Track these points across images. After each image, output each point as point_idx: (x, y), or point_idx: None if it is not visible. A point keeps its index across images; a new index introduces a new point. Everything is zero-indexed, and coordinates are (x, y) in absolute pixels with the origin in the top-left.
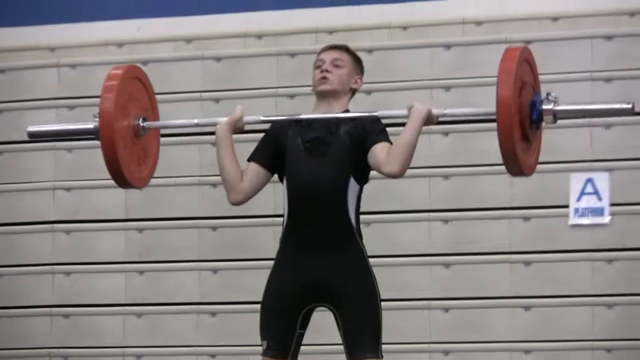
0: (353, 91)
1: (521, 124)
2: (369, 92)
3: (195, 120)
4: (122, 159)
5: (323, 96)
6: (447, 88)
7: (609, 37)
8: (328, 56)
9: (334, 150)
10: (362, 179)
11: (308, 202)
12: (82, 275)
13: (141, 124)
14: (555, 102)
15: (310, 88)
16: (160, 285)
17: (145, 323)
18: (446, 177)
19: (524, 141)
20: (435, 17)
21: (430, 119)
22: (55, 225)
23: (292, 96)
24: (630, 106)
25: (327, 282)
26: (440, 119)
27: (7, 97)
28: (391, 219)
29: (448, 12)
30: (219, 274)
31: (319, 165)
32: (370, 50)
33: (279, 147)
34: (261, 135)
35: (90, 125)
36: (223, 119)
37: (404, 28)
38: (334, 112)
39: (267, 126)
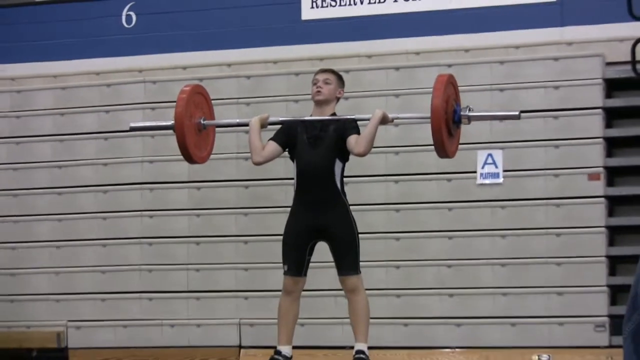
0: (338, 99)
1: (447, 124)
2: (346, 99)
3: (237, 120)
4: (189, 145)
5: (318, 104)
6: (397, 96)
7: (502, 62)
8: (320, 77)
9: (325, 142)
10: (344, 159)
11: (309, 176)
12: (160, 218)
13: (202, 122)
14: (470, 110)
15: (308, 96)
16: (211, 224)
17: (202, 248)
18: (397, 153)
19: (448, 135)
20: (389, 49)
21: (385, 119)
22: (143, 185)
23: (296, 101)
24: (517, 113)
25: (323, 226)
26: (395, 120)
27: (111, 102)
28: (361, 181)
29: (397, 46)
30: (249, 216)
31: (316, 153)
32: (347, 71)
33: (292, 137)
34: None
35: (169, 123)
36: (255, 117)
37: (369, 57)
38: (326, 115)
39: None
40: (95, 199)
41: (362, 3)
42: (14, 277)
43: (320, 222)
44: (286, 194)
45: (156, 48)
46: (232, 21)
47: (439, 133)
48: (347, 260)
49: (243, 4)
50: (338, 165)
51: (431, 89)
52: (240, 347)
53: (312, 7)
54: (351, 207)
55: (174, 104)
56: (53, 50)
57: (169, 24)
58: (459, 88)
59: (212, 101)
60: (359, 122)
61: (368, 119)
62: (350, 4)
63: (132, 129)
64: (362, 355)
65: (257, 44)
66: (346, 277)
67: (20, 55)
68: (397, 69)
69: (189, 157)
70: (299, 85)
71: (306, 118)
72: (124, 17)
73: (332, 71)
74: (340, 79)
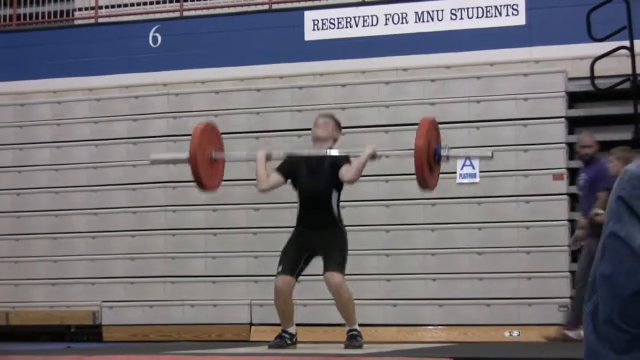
0: (335, 140)
1: (428, 162)
2: (343, 109)
3: (245, 154)
4: (202, 175)
5: (318, 141)
6: (387, 107)
7: (478, 77)
8: (321, 120)
9: (323, 176)
10: (340, 189)
11: (309, 205)
12: (181, 212)
13: (213, 156)
14: (449, 150)
15: (310, 106)
16: (226, 217)
17: (218, 239)
18: (387, 156)
19: (430, 171)
20: (381, 66)
21: (374, 155)
22: (167, 184)
23: (300, 111)
24: (490, 155)
25: (319, 244)
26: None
27: (138, 112)
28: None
29: (388, 63)
30: (258, 211)
31: (315, 185)
32: (344, 85)
33: (293, 170)
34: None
35: (184, 156)
36: (260, 151)
37: (363, 72)
38: (324, 147)
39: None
40: (125, 196)
41: (357, 25)
42: (55, 263)
43: (317, 243)
44: (291, 192)
45: (178, 65)
46: (245, 42)
47: (421, 170)
48: (334, 260)
49: (254, 27)
50: (334, 195)
51: (417, 101)
52: (251, 324)
53: (314, 30)
54: (348, 203)
55: (194, 113)
56: (89, 66)
57: (189, 44)
58: (442, 100)
59: (227, 111)
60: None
61: (359, 154)
62: (347, 27)
63: (153, 162)
64: (354, 332)
65: (266, 61)
66: (332, 274)
67: (61, 70)
68: (387, 83)
69: (201, 186)
70: (302, 98)
71: (306, 152)
72: (150, 38)
73: (331, 116)
74: (337, 124)
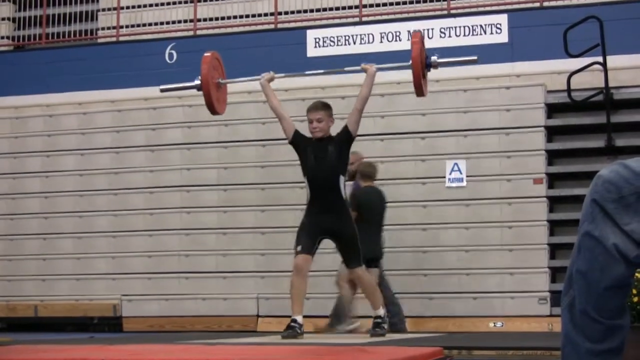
0: (330, 126)
1: (422, 70)
2: (342, 119)
3: (248, 78)
4: (212, 98)
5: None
6: (382, 117)
7: (465, 90)
8: (313, 117)
9: (328, 160)
10: (345, 172)
11: (318, 189)
12: (195, 214)
13: (220, 81)
14: (438, 58)
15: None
16: (235, 218)
17: (228, 238)
18: (382, 162)
19: (423, 77)
20: (376, 79)
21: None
22: (182, 188)
23: (302, 121)
24: (475, 58)
25: (331, 229)
26: (382, 135)
27: (156, 122)
28: None
29: (382, 77)
30: (265, 213)
31: (321, 170)
32: (343, 97)
33: (301, 144)
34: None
35: (195, 83)
36: (263, 79)
37: (360, 85)
38: (324, 141)
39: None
40: (143, 199)
41: (355, 43)
42: (79, 260)
43: (329, 225)
44: (296, 195)
45: (192, 79)
46: (252, 58)
47: (418, 76)
48: (353, 258)
49: (261, 44)
50: (341, 179)
51: (409, 111)
52: (258, 316)
53: (316, 47)
54: None
55: (206, 123)
56: (111, 80)
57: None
58: (432, 111)
59: (236, 121)
60: (348, 70)
61: (357, 71)
62: (345, 44)
63: (163, 91)
64: (378, 320)
65: None
66: (353, 270)
67: (86, 84)
68: (382, 95)
69: (212, 109)
70: (304, 107)
71: (312, 138)
72: (166, 55)
73: (321, 106)
74: (328, 109)
